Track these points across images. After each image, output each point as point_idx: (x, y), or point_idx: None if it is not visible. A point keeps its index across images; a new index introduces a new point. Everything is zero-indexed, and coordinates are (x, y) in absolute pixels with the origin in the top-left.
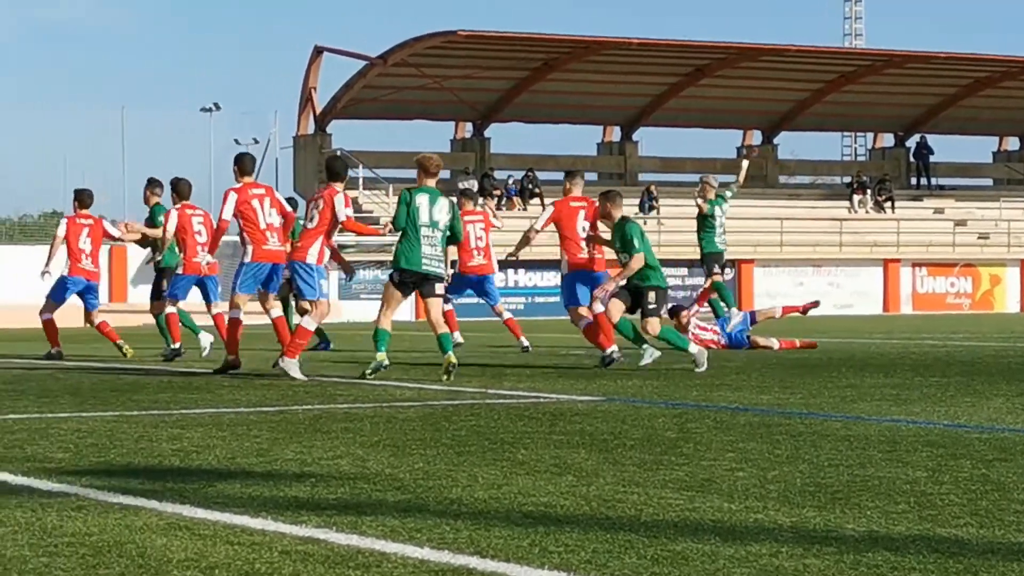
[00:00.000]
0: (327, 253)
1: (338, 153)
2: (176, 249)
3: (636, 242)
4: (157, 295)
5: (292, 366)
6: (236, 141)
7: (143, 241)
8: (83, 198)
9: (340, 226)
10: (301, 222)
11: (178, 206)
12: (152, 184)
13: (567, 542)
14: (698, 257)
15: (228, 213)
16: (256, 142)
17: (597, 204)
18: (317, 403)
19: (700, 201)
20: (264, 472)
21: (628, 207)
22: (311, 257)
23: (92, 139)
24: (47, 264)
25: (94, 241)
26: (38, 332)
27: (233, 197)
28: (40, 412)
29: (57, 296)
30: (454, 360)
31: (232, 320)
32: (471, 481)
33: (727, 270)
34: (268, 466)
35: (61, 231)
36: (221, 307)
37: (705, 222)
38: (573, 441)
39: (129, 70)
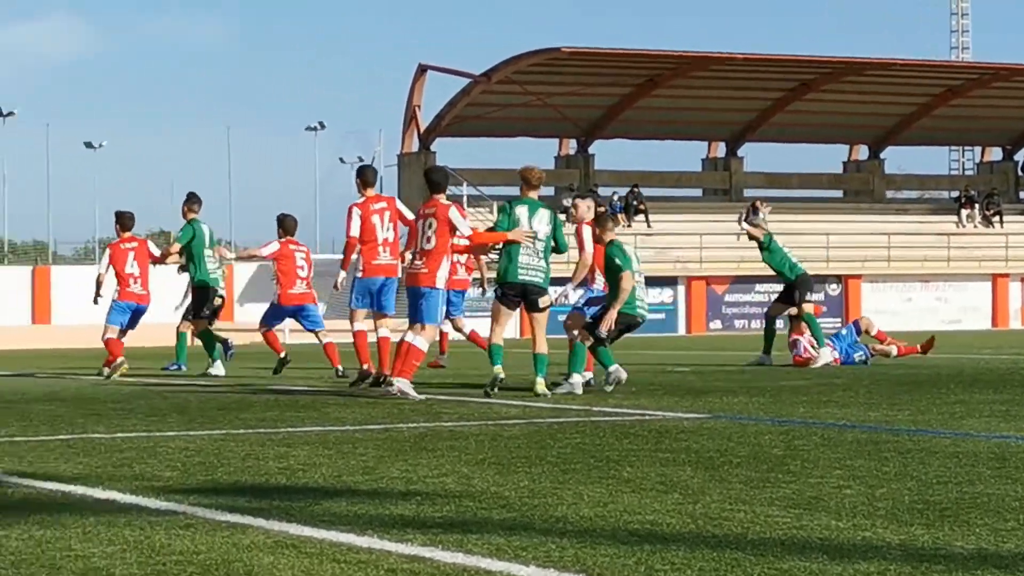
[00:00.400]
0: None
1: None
2: (202, 265)
3: (619, 261)
4: (196, 313)
5: (407, 386)
6: (341, 159)
7: (181, 263)
8: (124, 221)
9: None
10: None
11: (282, 239)
12: (190, 199)
13: (673, 560)
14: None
15: (355, 230)
16: (361, 160)
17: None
18: (423, 421)
19: (756, 231)
20: (370, 490)
21: (731, 222)
22: (440, 281)
23: (198, 159)
24: (97, 292)
25: (141, 264)
26: (155, 350)
27: (357, 213)
28: (148, 431)
29: (115, 320)
30: (541, 390)
31: (356, 334)
32: (577, 499)
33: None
34: (374, 484)
35: (104, 261)
36: (329, 336)
37: (771, 244)
38: (679, 459)
39: (235, 91)
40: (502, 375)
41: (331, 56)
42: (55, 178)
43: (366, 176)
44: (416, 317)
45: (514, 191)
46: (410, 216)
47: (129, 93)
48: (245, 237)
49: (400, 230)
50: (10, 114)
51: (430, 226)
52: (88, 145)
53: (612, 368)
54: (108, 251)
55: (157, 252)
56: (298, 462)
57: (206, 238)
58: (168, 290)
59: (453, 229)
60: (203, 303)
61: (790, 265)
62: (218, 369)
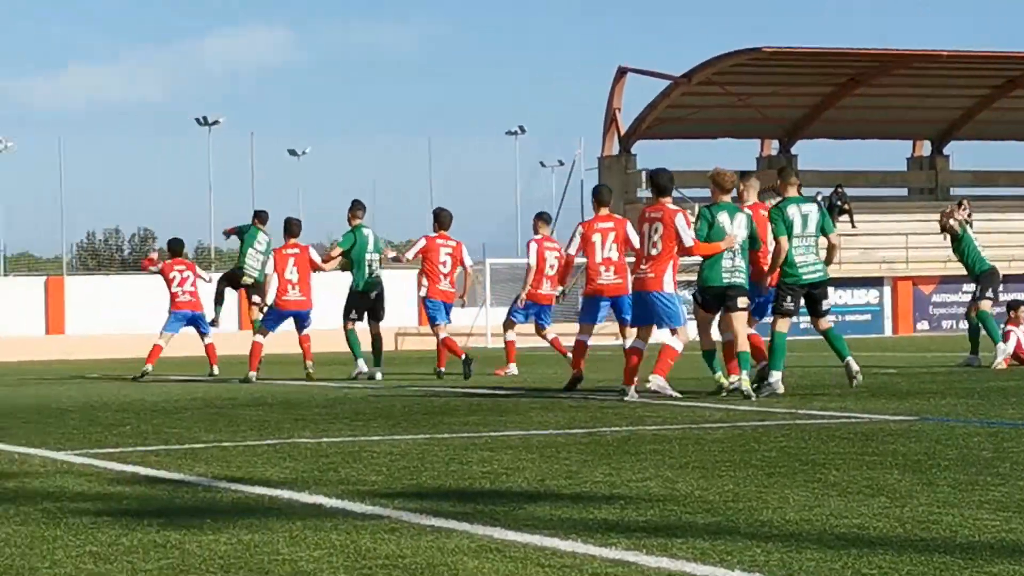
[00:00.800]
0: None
1: (642, 174)
2: (361, 270)
3: (773, 226)
4: (351, 315)
5: (664, 384)
6: (541, 164)
7: (344, 266)
8: (291, 227)
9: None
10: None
11: (433, 234)
12: (354, 207)
13: (880, 564)
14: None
15: (574, 248)
16: (561, 164)
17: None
18: (626, 425)
19: (954, 222)
20: (573, 494)
21: (937, 221)
22: (667, 286)
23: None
24: (263, 299)
25: (301, 270)
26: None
27: (579, 232)
28: (353, 435)
29: (270, 325)
30: (746, 387)
31: (577, 343)
32: (782, 503)
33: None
34: (577, 488)
35: (269, 265)
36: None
37: (964, 237)
38: (886, 462)
39: (436, 96)
40: (725, 381)
41: (531, 61)
42: (260, 185)
43: (601, 195)
44: (654, 323)
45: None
46: (636, 242)
47: (332, 100)
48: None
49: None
50: (215, 123)
51: (656, 231)
52: (292, 152)
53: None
54: (272, 256)
55: (318, 259)
56: (502, 466)
57: (369, 244)
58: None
59: (678, 235)
60: (357, 305)
61: (978, 260)
62: (360, 366)
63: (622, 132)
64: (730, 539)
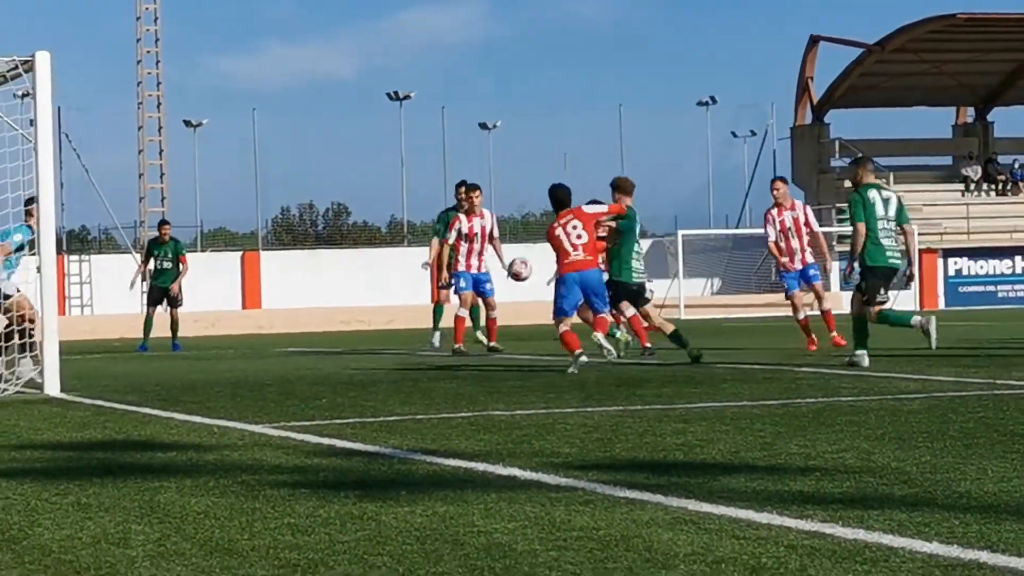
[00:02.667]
0: None
1: (836, 143)
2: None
3: (852, 210)
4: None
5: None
6: (733, 134)
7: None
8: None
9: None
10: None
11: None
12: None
13: None
14: None
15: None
16: (753, 134)
17: None
18: (820, 396)
19: None
20: (768, 466)
21: None
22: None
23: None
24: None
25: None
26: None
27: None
28: (547, 407)
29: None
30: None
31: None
32: (980, 474)
33: None
34: (772, 460)
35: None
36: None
37: None
38: None
39: (626, 67)
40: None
41: (722, 30)
42: (451, 159)
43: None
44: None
45: (912, 161)
46: (815, 225)
47: (522, 73)
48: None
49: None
50: (406, 97)
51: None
52: (483, 126)
53: (916, 320)
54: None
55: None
56: (695, 438)
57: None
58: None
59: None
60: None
61: None
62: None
63: (815, 101)
64: (927, 511)
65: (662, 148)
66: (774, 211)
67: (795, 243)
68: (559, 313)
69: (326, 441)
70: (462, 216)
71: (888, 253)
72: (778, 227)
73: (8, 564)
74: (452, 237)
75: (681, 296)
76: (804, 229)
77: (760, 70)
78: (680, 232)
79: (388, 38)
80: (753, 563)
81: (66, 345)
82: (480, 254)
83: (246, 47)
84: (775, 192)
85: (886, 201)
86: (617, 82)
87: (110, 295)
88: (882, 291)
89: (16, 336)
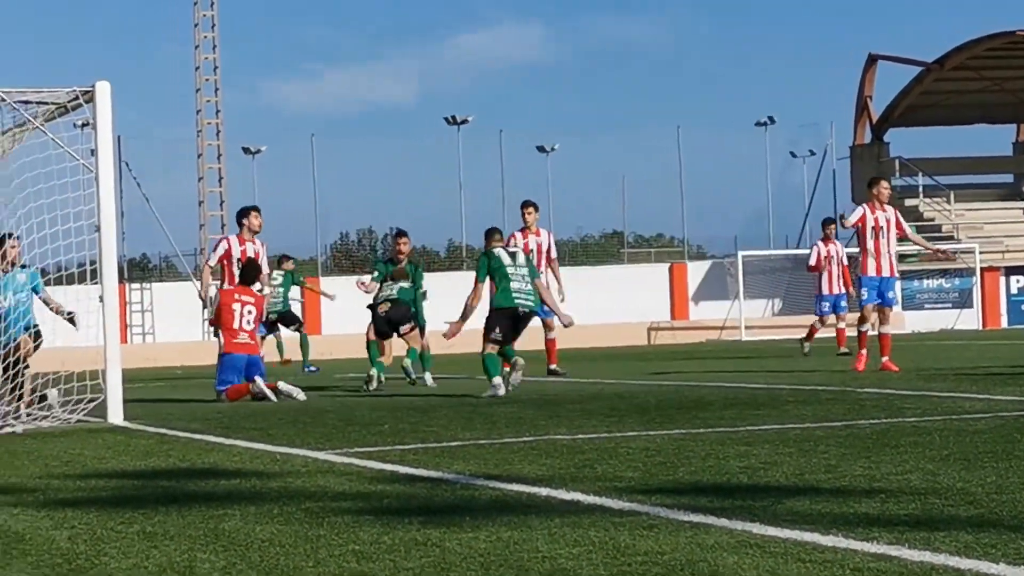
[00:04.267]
0: None
1: (895, 162)
2: None
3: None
4: None
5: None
6: (792, 154)
7: None
8: None
9: None
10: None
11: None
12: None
13: None
14: None
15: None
16: (812, 154)
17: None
18: (884, 417)
19: None
20: (833, 488)
21: None
22: None
23: (648, 158)
24: None
25: None
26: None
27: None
28: (609, 431)
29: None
30: None
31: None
32: None
33: None
34: (836, 482)
35: None
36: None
37: None
38: None
39: (684, 89)
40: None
41: (779, 50)
42: (509, 182)
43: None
44: None
45: (971, 179)
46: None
47: (579, 95)
48: (698, 234)
49: None
50: (464, 121)
51: None
52: (540, 149)
53: None
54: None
55: None
56: (759, 460)
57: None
58: None
59: None
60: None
61: None
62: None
63: (874, 120)
64: (994, 532)
65: (721, 169)
66: (867, 207)
67: (883, 245)
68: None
69: (389, 467)
70: (518, 234)
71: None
72: (872, 224)
73: None
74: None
75: (741, 317)
76: (895, 232)
77: (819, 89)
78: (740, 253)
79: (445, 62)
80: None
81: (128, 373)
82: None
83: (304, 73)
84: (885, 191)
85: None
86: (675, 103)
87: (171, 323)
88: None
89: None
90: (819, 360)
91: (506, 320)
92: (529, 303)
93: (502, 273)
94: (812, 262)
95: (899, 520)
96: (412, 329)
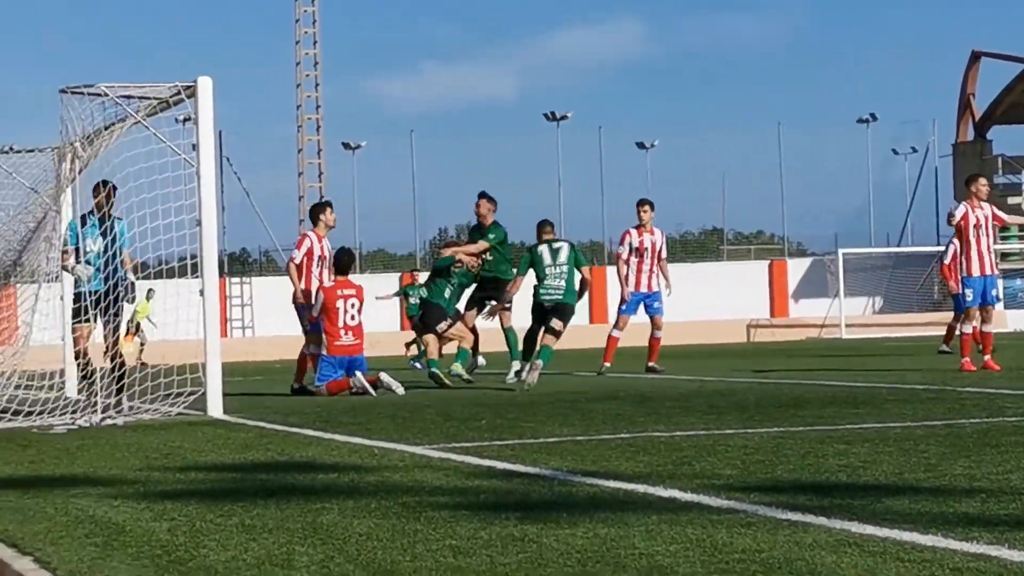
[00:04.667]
0: None
1: (998, 160)
2: None
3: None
4: None
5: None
6: (894, 151)
7: None
8: None
9: None
10: None
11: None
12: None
13: None
14: None
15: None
16: (914, 151)
17: None
18: (985, 416)
19: None
20: (932, 487)
21: None
22: None
23: (748, 155)
24: None
25: None
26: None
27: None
28: (707, 428)
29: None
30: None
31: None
32: None
33: None
34: (936, 481)
35: None
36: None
37: None
38: None
39: (785, 85)
40: None
41: (882, 47)
42: (608, 179)
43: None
44: None
45: None
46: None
47: (679, 92)
48: (798, 231)
49: None
50: (563, 117)
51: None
52: (640, 145)
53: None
54: None
55: None
56: (858, 459)
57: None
58: None
59: None
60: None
61: None
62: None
63: (976, 117)
64: None
65: (822, 166)
66: (966, 205)
67: (984, 242)
68: None
69: (486, 463)
70: (633, 231)
71: None
72: (973, 222)
73: None
74: (624, 252)
75: (842, 315)
76: (993, 226)
77: (921, 86)
78: (840, 251)
79: (545, 58)
80: None
81: (227, 367)
82: (651, 272)
83: (404, 69)
84: (983, 187)
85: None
86: (776, 99)
87: (270, 316)
88: None
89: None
90: (920, 359)
91: (537, 310)
92: (555, 297)
93: (540, 270)
94: (948, 259)
95: (999, 520)
96: (450, 326)
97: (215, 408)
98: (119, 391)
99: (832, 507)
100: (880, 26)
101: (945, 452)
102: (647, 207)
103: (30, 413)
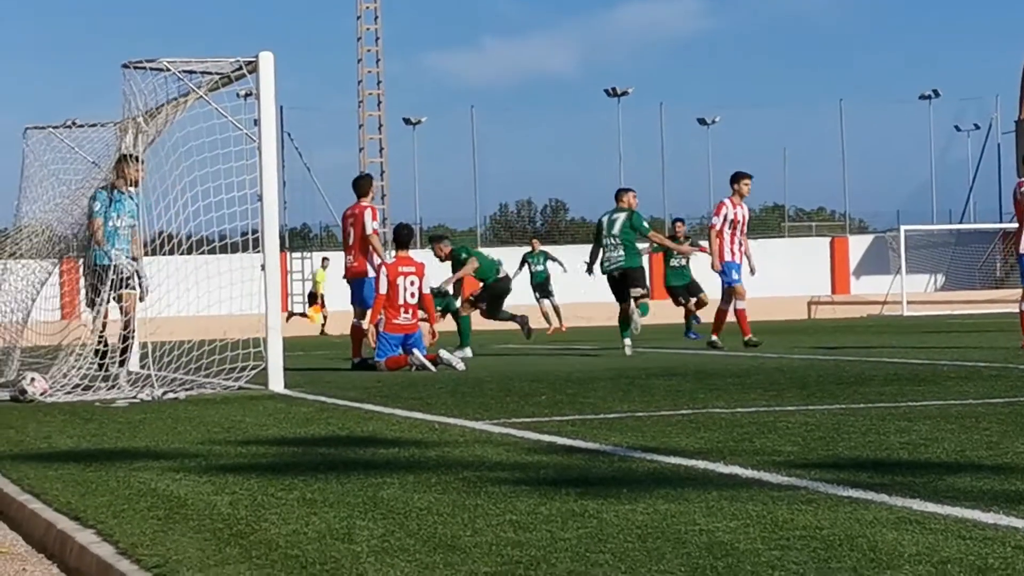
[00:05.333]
0: None
1: None
2: None
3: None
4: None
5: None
6: (956, 128)
7: None
8: None
9: None
10: None
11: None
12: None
13: None
14: None
15: None
16: (977, 128)
17: None
18: None
19: None
20: (994, 465)
21: None
22: None
23: (810, 131)
24: None
25: None
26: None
27: None
28: (768, 405)
29: None
30: None
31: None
32: None
33: None
34: (998, 459)
35: None
36: None
37: None
38: None
39: (847, 61)
40: None
41: (945, 22)
42: (669, 155)
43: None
44: None
45: None
46: None
47: (742, 67)
48: (860, 208)
49: None
50: (624, 93)
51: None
52: (701, 121)
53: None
54: None
55: None
56: (920, 436)
57: None
58: None
59: None
60: None
61: None
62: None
63: None
64: None
65: (884, 143)
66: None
67: None
68: None
69: (546, 438)
70: (728, 202)
71: None
72: None
73: (236, 558)
74: (719, 223)
75: (903, 292)
76: None
77: (984, 62)
78: (903, 228)
79: (606, 33)
80: (980, 564)
81: (288, 342)
82: (740, 245)
83: (465, 43)
84: None
85: None
86: (838, 76)
87: (332, 291)
88: None
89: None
90: (982, 337)
91: (612, 285)
92: (614, 266)
93: (598, 240)
94: None
95: None
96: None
97: (276, 382)
98: (121, 363)
99: (893, 484)
100: (943, 1)
101: (1007, 430)
102: (749, 180)
103: (92, 387)
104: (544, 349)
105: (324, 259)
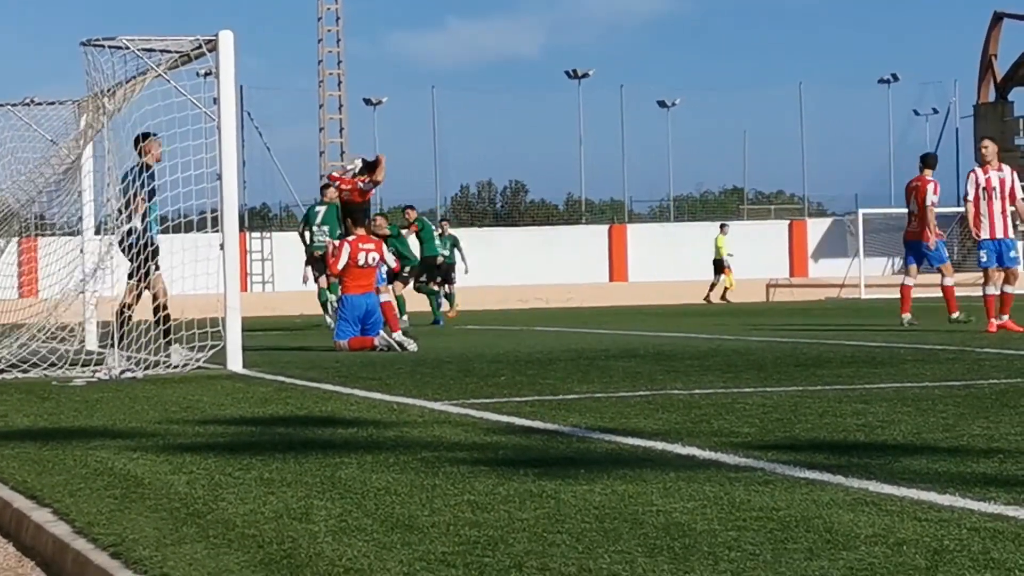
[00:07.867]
0: None
1: (1020, 121)
2: None
3: None
4: None
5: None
6: (915, 112)
7: None
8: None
9: None
10: None
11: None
12: None
13: None
14: None
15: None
16: (935, 112)
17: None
18: (1004, 377)
19: None
20: (950, 447)
21: None
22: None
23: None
24: None
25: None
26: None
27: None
28: (725, 387)
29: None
30: None
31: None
32: None
33: None
34: (954, 441)
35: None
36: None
37: None
38: None
39: (806, 45)
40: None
41: (904, 6)
42: (629, 137)
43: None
44: None
45: None
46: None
47: (702, 51)
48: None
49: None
50: (585, 75)
51: None
52: (661, 104)
53: None
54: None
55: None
56: (876, 419)
57: None
58: None
59: None
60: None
61: None
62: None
63: (998, 79)
64: None
65: (843, 126)
66: (979, 170)
67: (996, 205)
68: None
69: (505, 419)
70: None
71: None
72: (983, 184)
73: (193, 538)
74: (971, 193)
75: (861, 276)
76: (1007, 194)
77: (943, 47)
78: (861, 211)
79: (569, 15)
80: (935, 545)
81: (247, 321)
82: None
83: (427, 23)
84: (984, 150)
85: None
86: (797, 59)
87: (290, 272)
88: None
89: (161, 323)
90: (938, 320)
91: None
92: None
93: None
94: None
95: (1017, 480)
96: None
97: (234, 362)
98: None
99: (850, 466)
100: None
101: (963, 412)
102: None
103: (49, 365)
104: (497, 329)
105: (723, 224)
